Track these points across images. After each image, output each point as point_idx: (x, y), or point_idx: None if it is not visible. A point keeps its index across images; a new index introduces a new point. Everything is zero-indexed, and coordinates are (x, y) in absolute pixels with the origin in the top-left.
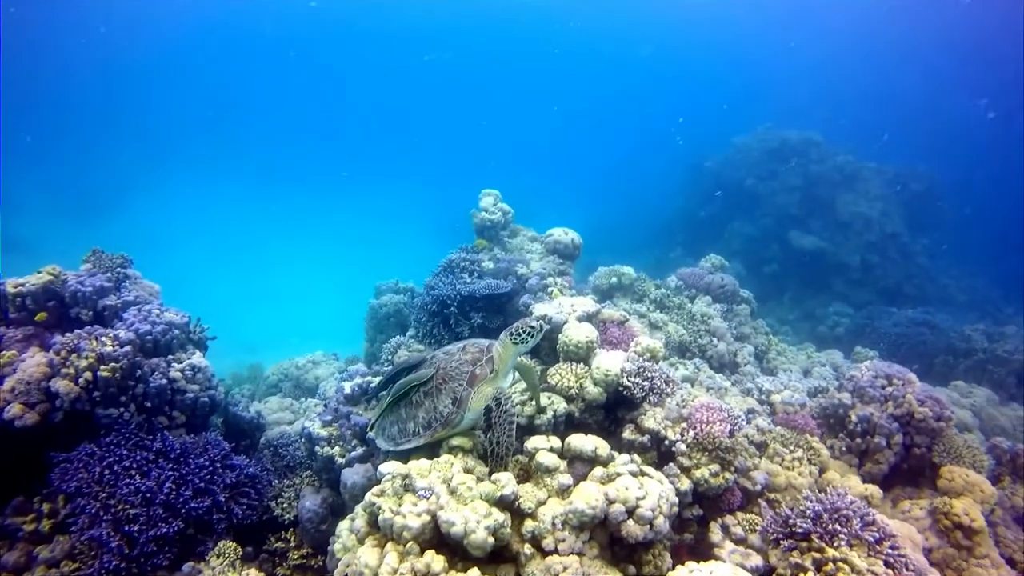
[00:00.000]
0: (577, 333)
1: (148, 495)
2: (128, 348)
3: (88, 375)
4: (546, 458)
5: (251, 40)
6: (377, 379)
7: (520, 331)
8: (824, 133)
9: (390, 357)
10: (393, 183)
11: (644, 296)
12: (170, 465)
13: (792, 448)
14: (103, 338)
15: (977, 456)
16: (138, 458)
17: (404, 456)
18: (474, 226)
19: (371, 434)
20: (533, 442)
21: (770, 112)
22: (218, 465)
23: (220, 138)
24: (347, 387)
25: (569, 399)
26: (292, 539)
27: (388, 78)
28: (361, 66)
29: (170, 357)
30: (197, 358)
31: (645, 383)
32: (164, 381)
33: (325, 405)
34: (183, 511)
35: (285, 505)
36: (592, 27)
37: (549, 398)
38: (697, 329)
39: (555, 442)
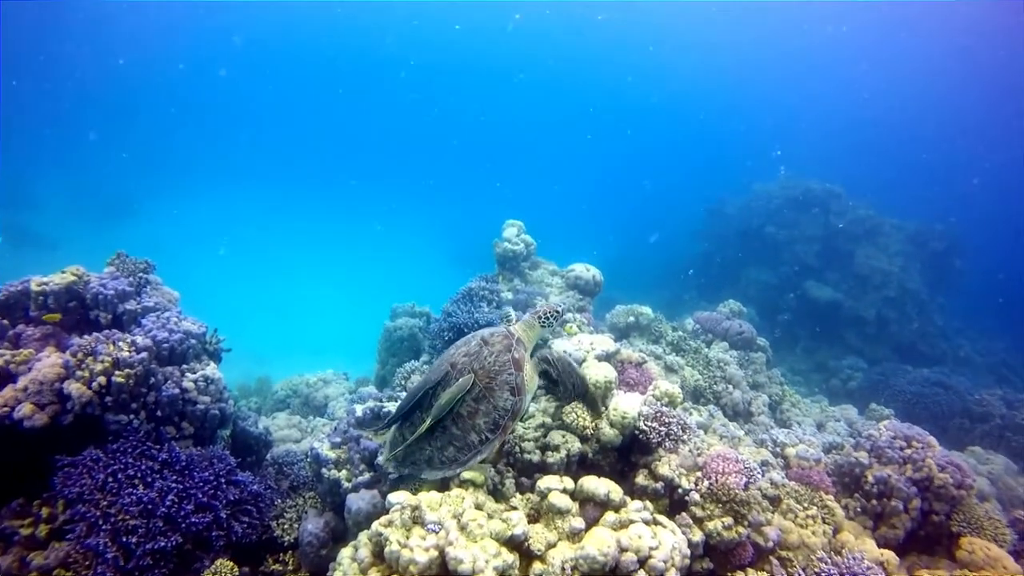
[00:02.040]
0: (597, 372)
1: (150, 506)
2: (144, 355)
3: (102, 379)
4: (559, 499)
5: (275, 52)
6: (390, 405)
7: (547, 315)
8: (844, 185)
9: (403, 383)
10: (416, 204)
11: (661, 338)
12: (174, 477)
13: (806, 505)
14: (120, 343)
15: (999, 529)
16: (143, 467)
17: (412, 487)
18: (496, 255)
19: (395, 470)
20: (545, 482)
21: (792, 160)
22: (222, 480)
23: (245, 148)
24: (359, 409)
25: (584, 439)
26: (290, 562)
27: (419, 99)
28: (392, 85)
29: (184, 367)
30: (211, 369)
31: (662, 428)
32: (176, 391)
33: (335, 427)
34: (183, 525)
35: (286, 526)
36: (623, 67)
37: (563, 436)
38: (713, 375)
39: (568, 483)
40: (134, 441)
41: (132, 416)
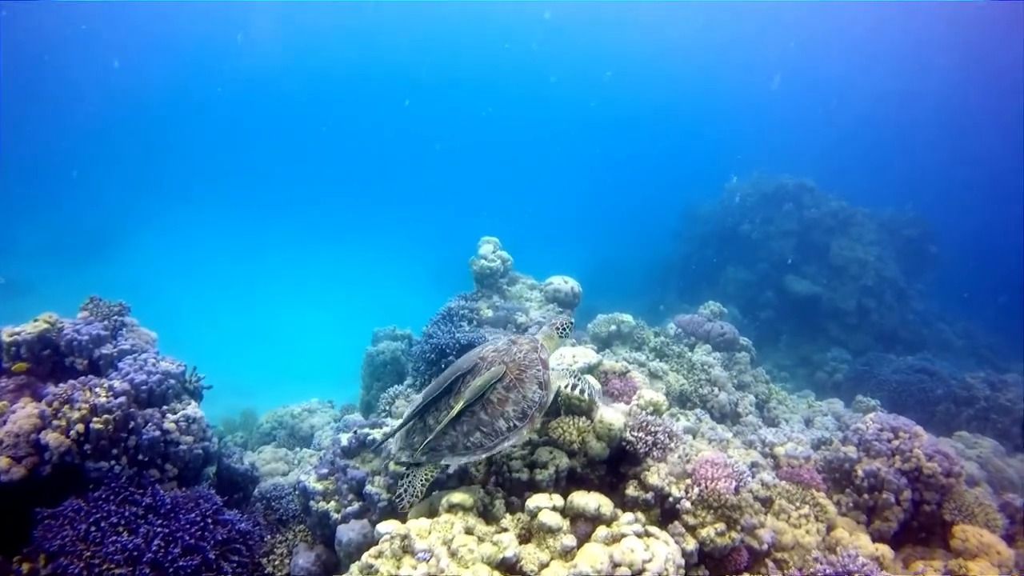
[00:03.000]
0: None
1: (135, 553)
2: (122, 399)
3: (80, 427)
4: (549, 518)
5: (246, 80)
6: (375, 432)
7: (564, 326)
8: (816, 178)
9: (388, 407)
10: (394, 224)
11: (643, 344)
12: (160, 521)
13: (798, 504)
14: (97, 388)
15: (990, 514)
16: (127, 514)
17: (401, 517)
18: (473, 273)
19: (413, 459)
20: (535, 500)
21: (762, 157)
22: (209, 521)
23: (216, 179)
24: (344, 439)
25: (571, 454)
26: None
27: (388, 119)
28: (360, 106)
29: (164, 408)
30: (192, 408)
31: (648, 438)
32: (157, 433)
33: (321, 458)
34: (171, 570)
35: (277, 562)
36: (590, 77)
37: (551, 452)
38: (698, 379)
39: (557, 500)
40: (116, 487)
41: (113, 462)
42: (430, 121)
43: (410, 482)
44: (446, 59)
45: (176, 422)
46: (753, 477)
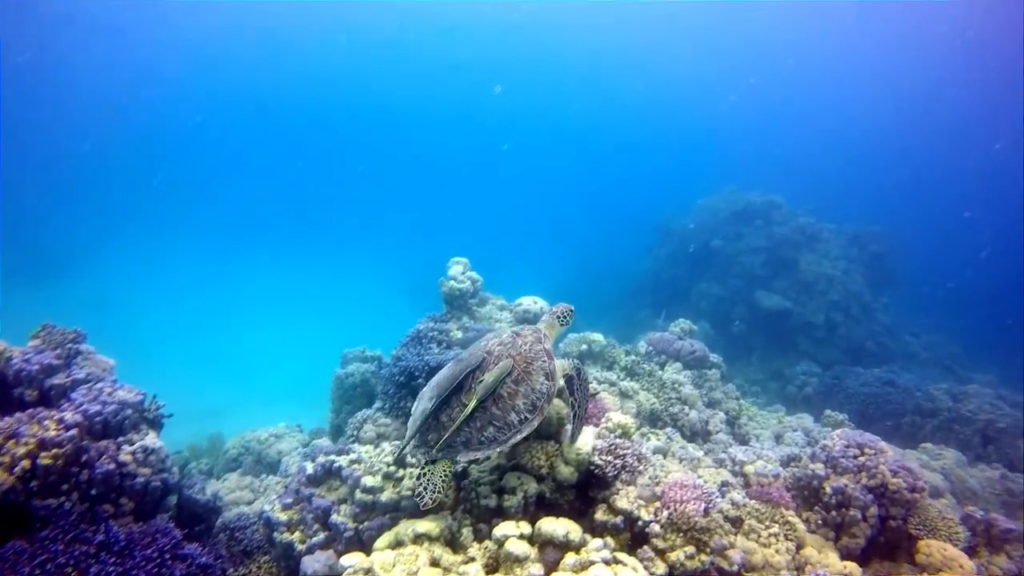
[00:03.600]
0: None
1: None
2: (74, 432)
3: (26, 463)
4: (516, 547)
5: (210, 101)
6: (342, 459)
7: (564, 314)
8: (784, 195)
9: (355, 432)
10: (366, 244)
11: (614, 363)
12: (113, 559)
13: (768, 523)
14: (46, 421)
15: (953, 528)
16: (76, 553)
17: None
18: (442, 295)
19: (427, 455)
20: (502, 529)
21: (733, 174)
22: (167, 556)
23: (184, 199)
24: (309, 467)
25: (540, 479)
26: None
27: (359, 138)
28: (331, 126)
29: (121, 439)
30: (150, 439)
31: (617, 461)
32: (112, 466)
33: (287, 486)
34: None
35: None
36: (560, 94)
37: (519, 478)
38: (668, 397)
39: (525, 528)
40: (65, 525)
41: (63, 499)
42: (403, 140)
43: (429, 479)
44: (418, 78)
45: (133, 454)
46: (723, 497)
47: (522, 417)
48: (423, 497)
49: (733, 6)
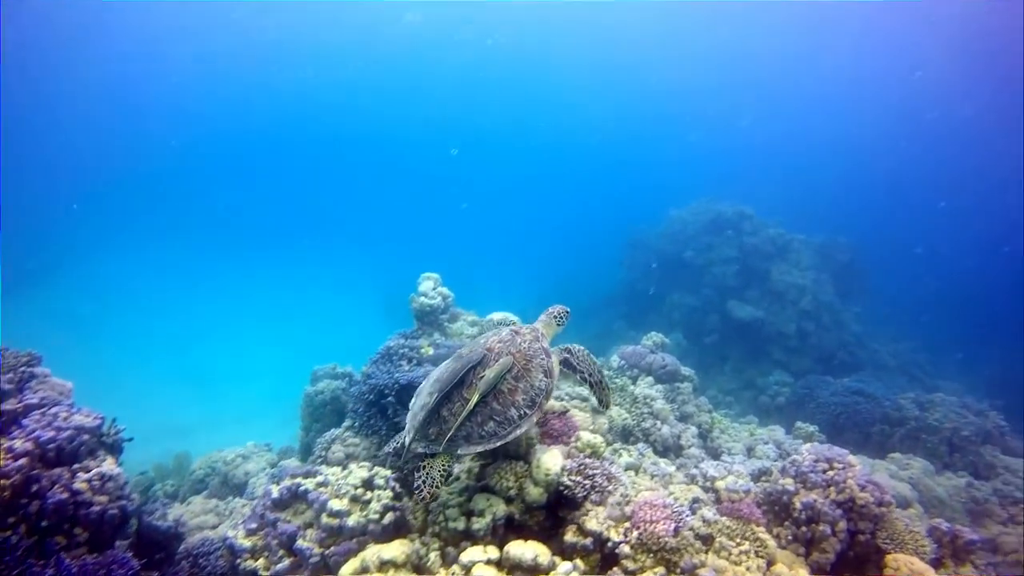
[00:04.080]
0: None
1: None
2: (23, 461)
3: None
4: (483, 572)
5: (182, 106)
6: (308, 482)
7: (560, 315)
8: (755, 206)
9: (323, 453)
10: (338, 258)
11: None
12: None
13: (739, 540)
14: None
15: (919, 541)
16: None
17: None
18: (413, 311)
19: (428, 448)
20: (469, 554)
21: (703, 186)
22: None
23: (150, 212)
24: (275, 490)
25: (509, 500)
26: None
27: (330, 151)
28: (301, 139)
29: (76, 466)
30: (108, 465)
31: (586, 482)
32: (65, 495)
33: (252, 510)
34: None
35: None
36: (530, 104)
37: (488, 499)
38: (640, 412)
39: (492, 552)
40: (10, 561)
41: (10, 532)
42: (376, 154)
43: (428, 473)
44: (390, 92)
45: (89, 481)
46: (694, 514)
47: (522, 412)
48: (421, 491)
49: (702, 21)
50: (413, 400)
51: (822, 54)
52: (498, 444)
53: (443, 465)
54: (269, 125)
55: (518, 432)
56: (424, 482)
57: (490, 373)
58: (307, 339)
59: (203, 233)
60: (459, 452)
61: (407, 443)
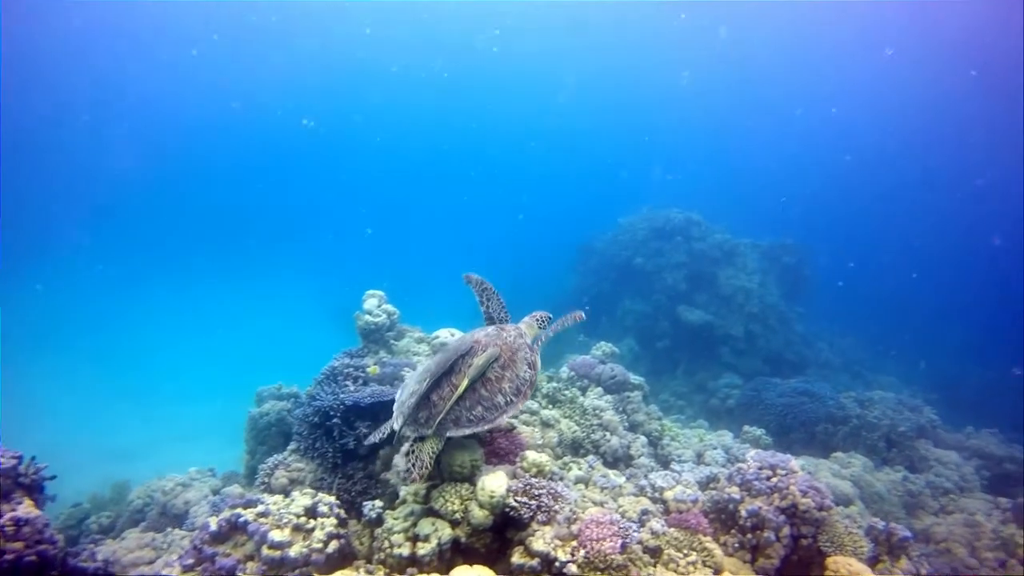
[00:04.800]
0: (461, 453)
1: None
2: None
3: None
4: None
5: (129, 119)
6: (249, 512)
7: (542, 319)
8: (702, 211)
9: (266, 480)
10: (280, 272)
11: (536, 390)
12: None
13: (686, 551)
14: None
15: (858, 543)
16: None
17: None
18: (358, 329)
19: (417, 431)
20: None
21: (657, 193)
22: None
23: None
24: (213, 523)
25: (455, 523)
26: None
27: (275, 162)
28: (240, 146)
29: None
30: (24, 508)
31: (532, 502)
32: None
33: (192, 544)
34: None
35: None
36: (475, 112)
37: (433, 524)
38: (590, 424)
39: None
40: None
41: None
42: (324, 158)
43: (417, 456)
44: (342, 95)
45: (1, 527)
46: (643, 526)
47: (508, 399)
48: (411, 472)
49: (649, 26)
50: (399, 392)
51: (769, 65)
52: (485, 428)
53: (432, 448)
54: (209, 136)
55: (504, 418)
56: (414, 465)
57: (479, 360)
58: (253, 353)
59: (142, 247)
60: (448, 435)
61: (397, 428)
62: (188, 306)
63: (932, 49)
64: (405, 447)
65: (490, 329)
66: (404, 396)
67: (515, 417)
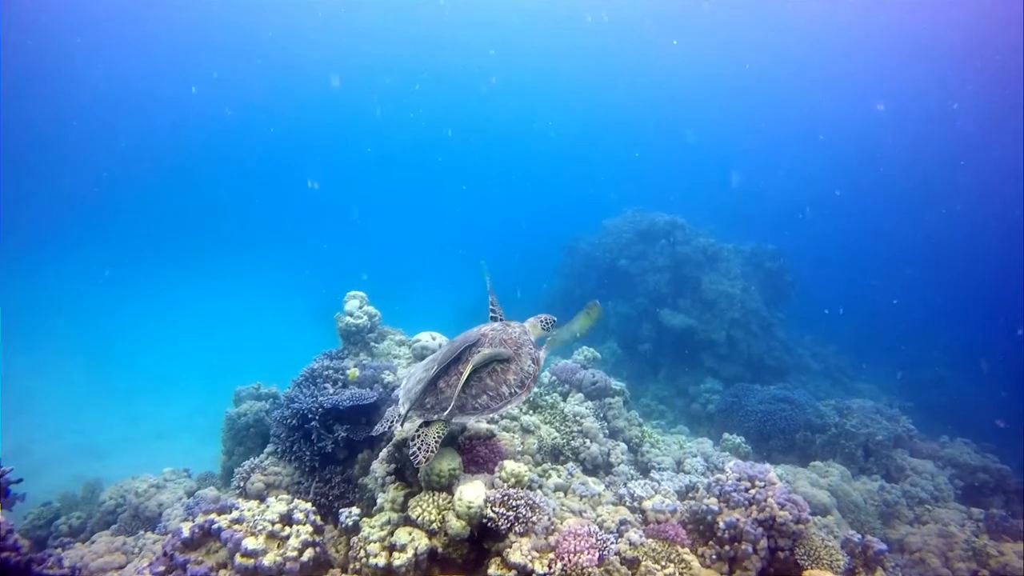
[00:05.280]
0: (439, 462)
1: None
2: None
3: None
4: None
5: (113, 110)
6: (222, 519)
7: (548, 321)
8: (686, 215)
9: (242, 484)
10: (267, 269)
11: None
12: None
13: (664, 563)
14: None
15: (834, 555)
16: None
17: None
18: (338, 330)
19: (423, 416)
20: None
21: (641, 196)
22: None
23: (63, 216)
24: (185, 529)
25: (431, 533)
26: None
27: (262, 162)
28: (229, 152)
29: None
30: None
31: (510, 513)
32: None
33: (163, 550)
34: None
35: None
36: (461, 116)
37: (410, 533)
38: (570, 430)
39: None
40: None
41: None
42: (307, 159)
43: (423, 440)
44: (325, 97)
45: None
46: (621, 537)
47: (512, 391)
48: (417, 456)
49: (650, 38)
50: (404, 381)
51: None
52: (488, 416)
53: (437, 432)
54: (189, 132)
55: (508, 407)
56: (419, 448)
57: (485, 351)
58: (232, 351)
59: (123, 242)
60: (454, 420)
61: (404, 412)
62: (166, 304)
63: (915, 56)
64: (404, 432)
65: (496, 324)
66: (411, 384)
67: (513, 412)
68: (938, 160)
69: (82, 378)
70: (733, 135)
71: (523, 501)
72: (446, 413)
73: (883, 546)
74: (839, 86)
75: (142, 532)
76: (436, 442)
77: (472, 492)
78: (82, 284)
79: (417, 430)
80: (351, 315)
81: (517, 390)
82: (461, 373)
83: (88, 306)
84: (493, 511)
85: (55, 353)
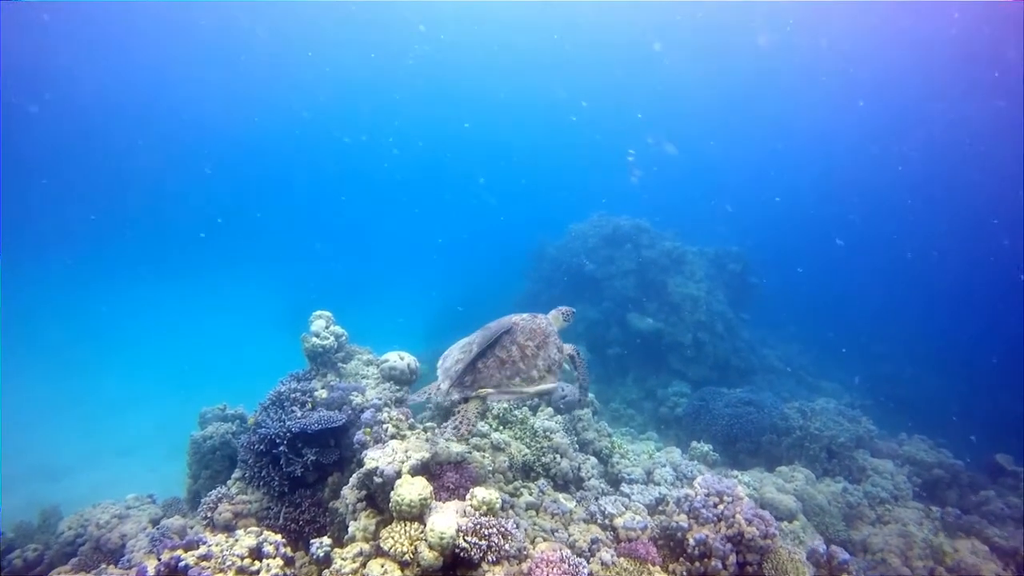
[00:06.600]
0: (410, 491)
1: None
2: None
3: None
4: None
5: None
6: (189, 556)
7: (567, 314)
8: (651, 219)
9: (209, 514)
10: (235, 281)
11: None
12: None
13: None
14: None
15: (800, 568)
16: None
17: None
18: (305, 351)
19: (462, 393)
20: None
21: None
22: None
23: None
24: (151, 568)
25: (404, 564)
26: None
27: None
28: (188, 152)
29: None
30: None
31: (482, 542)
32: None
33: None
34: None
35: None
36: (423, 118)
37: (382, 565)
38: (541, 447)
39: None
40: None
41: None
42: (281, 165)
43: (464, 415)
44: (304, 103)
45: None
46: (593, 556)
47: (541, 375)
48: (459, 429)
49: (615, 42)
50: (440, 362)
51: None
52: (520, 394)
53: (475, 409)
54: (153, 141)
55: (536, 388)
56: (461, 422)
57: (519, 338)
58: (195, 360)
59: (80, 251)
60: (489, 400)
61: (444, 388)
62: (128, 312)
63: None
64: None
65: (526, 315)
66: (448, 364)
67: (546, 391)
68: (901, 159)
69: (38, 392)
70: (702, 137)
71: (495, 529)
72: (484, 391)
73: (846, 555)
74: (806, 91)
75: (104, 566)
76: (476, 417)
77: (444, 522)
78: (39, 292)
79: (456, 408)
80: (317, 335)
81: (545, 374)
82: (498, 357)
83: (43, 315)
84: (465, 540)
85: (6, 364)
